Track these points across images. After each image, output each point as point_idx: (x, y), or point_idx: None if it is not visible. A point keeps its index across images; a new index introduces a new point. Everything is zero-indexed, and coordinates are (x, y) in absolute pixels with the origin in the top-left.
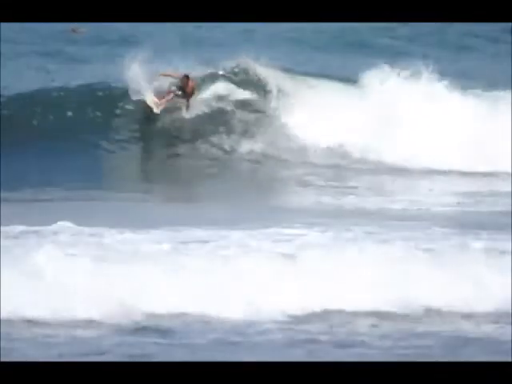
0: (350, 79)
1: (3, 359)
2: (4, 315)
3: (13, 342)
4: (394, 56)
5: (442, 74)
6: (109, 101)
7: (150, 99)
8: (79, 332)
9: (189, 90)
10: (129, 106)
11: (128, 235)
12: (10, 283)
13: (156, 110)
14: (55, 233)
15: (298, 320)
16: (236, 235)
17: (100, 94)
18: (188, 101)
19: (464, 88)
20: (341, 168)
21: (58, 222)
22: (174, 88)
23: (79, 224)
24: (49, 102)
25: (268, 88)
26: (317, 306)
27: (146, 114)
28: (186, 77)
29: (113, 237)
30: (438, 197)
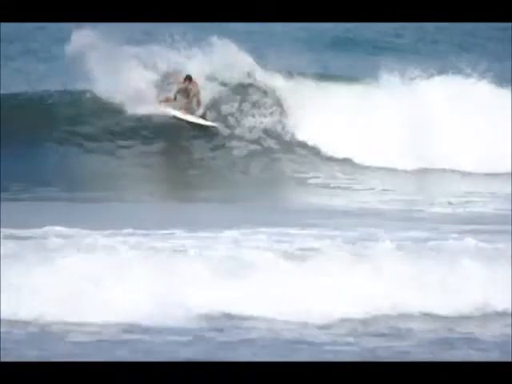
0: (354, 78)
1: (3, 359)
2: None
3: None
4: (400, 55)
5: (445, 73)
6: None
7: (177, 112)
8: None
9: (194, 89)
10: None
11: (138, 237)
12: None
13: (188, 117)
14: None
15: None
16: (242, 234)
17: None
18: (198, 99)
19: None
20: (351, 167)
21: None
22: (177, 95)
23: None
24: (52, 104)
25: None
26: (323, 309)
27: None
28: (189, 78)
29: (121, 239)
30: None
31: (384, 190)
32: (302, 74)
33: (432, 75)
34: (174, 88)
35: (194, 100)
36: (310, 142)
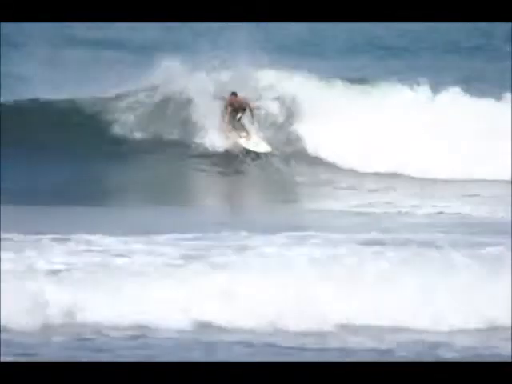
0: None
1: (3, 359)
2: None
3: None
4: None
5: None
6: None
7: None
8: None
9: (240, 104)
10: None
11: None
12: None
13: (248, 145)
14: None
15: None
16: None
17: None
18: (251, 110)
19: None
20: (359, 172)
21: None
22: (230, 118)
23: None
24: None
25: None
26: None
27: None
28: (234, 94)
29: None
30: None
31: (399, 195)
32: (314, 77)
33: (443, 82)
34: (224, 109)
35: (246, 114)
36: (323, 148)
